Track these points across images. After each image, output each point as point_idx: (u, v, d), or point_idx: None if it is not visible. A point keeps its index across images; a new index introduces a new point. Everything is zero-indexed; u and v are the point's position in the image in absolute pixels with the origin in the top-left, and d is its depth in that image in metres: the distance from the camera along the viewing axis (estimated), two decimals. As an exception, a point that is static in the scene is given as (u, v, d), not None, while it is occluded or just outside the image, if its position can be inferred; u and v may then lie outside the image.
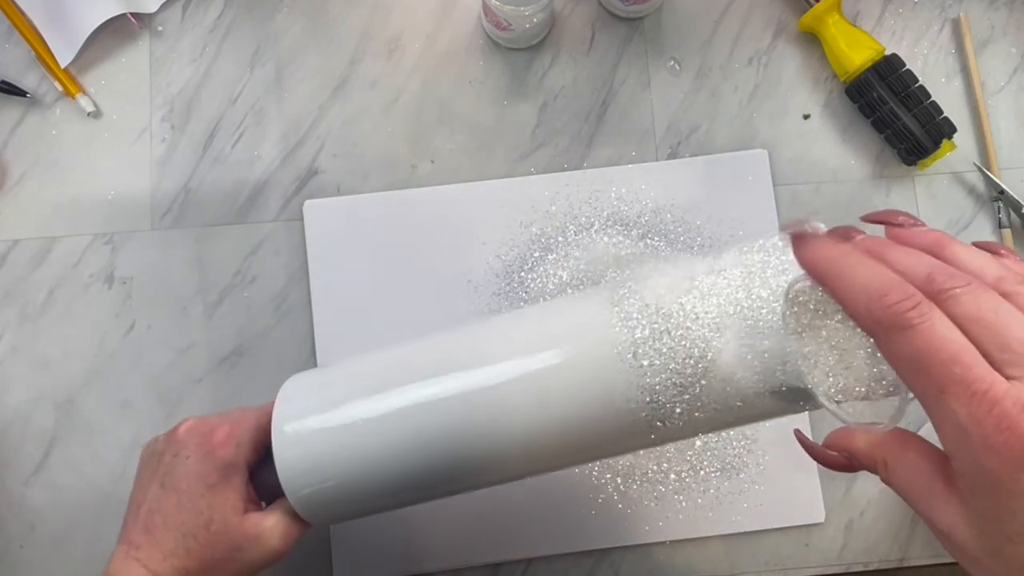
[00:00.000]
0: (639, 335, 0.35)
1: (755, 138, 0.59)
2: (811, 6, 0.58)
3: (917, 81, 0.57)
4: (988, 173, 0.59)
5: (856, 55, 0.57)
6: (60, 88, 0.57)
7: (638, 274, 0.37)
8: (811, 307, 0.31)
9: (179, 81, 0.59)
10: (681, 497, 0.54)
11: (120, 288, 0.56)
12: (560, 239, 0.57)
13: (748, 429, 0.55)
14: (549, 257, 0.56)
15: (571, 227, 0.57)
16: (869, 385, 0.29)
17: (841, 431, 0.30)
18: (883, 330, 0.25)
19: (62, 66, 0.57)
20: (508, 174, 0.58)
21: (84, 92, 0.58)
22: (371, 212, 0.57)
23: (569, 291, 0.55)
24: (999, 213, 0.59)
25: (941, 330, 0.24)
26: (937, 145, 0.56)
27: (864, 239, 0.29)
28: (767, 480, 0.54)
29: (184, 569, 0.39)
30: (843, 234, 0.30)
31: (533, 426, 0.37)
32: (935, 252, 0.28)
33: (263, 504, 0.43)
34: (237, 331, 0.56)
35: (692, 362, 0.34)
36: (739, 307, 0.33)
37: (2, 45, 0.58)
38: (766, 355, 0.32)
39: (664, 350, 0.34)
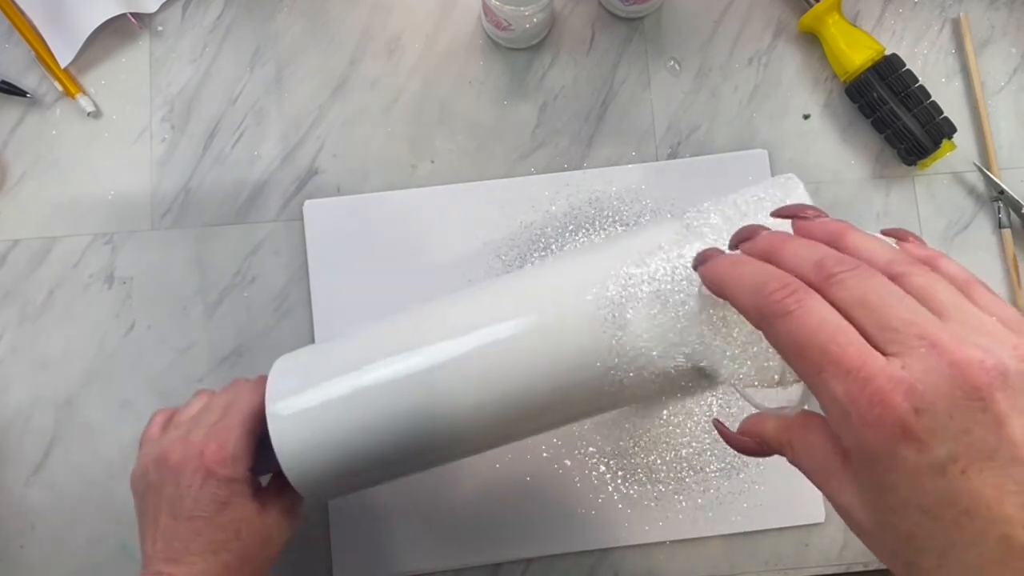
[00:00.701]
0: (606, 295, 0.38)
1: (755, 138, 0.59)
2: (811, 6, 0.58)
3: (917, 81, 0.57)
4: (988, 173, 0.59)
5: (856, 55, 0.57)
6: (60, 88, 0.57)
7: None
8: (720, 303, 0.32)
9: (179, 81, 0.59)
10: (681, 497, 0.54)
11: (120, 288, 0.56)
12: (560, 239, 0.57)
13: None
14: (549, 257, 0.56)
15: (571, 227, 0.57)
16: (778, 372, 0.31)
17: (753, 417, 0.31)
18: (765, 319, 0.27)
19: (62, 66, 0.57)
20: (508, 174, 0.58)
21: (84, 92, 0.58)
22: (371, 212, 0.57)
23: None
24: (999, 213, 0.59)
25: (818, 313, 0.25)
26: (937, 145, 0.56)
27: (764, 236, 0.30)
28: (767, 480, 0.54)
29: None
30: (746, 234, 0.31)
31: (525, 383, 0.39)
32: (834, 241, 0.29)
33: (261, 481, 0.44)
34: (237, 331, 0.56)
35: (608, 328, 0.37)
36: (662, 289, 0.37)
37: (2, 45, 0.58)
38: (680, 341, 0.35)
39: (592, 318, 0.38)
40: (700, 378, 0.37)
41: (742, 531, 0.55)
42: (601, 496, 0.54)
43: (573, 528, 0.54)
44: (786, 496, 0.55)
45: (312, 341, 0.56)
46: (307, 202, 0.57)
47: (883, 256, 0.27)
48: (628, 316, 0.37)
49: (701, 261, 0.31)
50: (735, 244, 0.32)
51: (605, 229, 0.57)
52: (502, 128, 0.59)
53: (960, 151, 0.59)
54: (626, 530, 0.54)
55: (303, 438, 0.40)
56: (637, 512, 0.54)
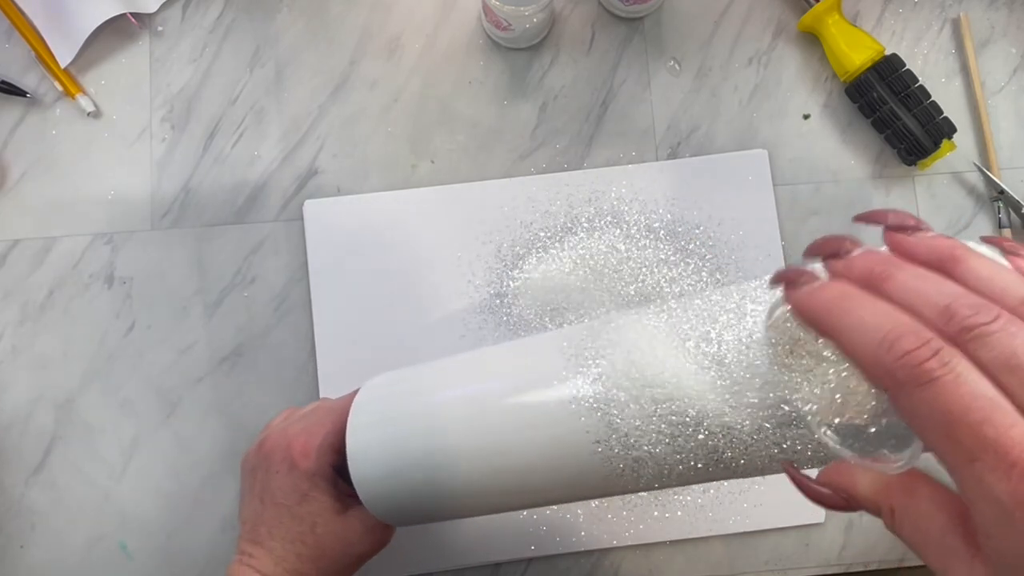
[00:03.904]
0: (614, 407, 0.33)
1: (755, 138, 0.59)
2: (811, 6, 0.58)
3: (917, 81, 0.57)
4: (988, 173, 0.59)
5: (856, 55, 0.57)
6: (60, 88, 0.57)
7: (608, 334, 0.35)
8: (797, 332, 0.28)
9: (179, 81, 0.59)
10: (681, 497, 0.54)
11: (120, 288, 0.56)
12: (560, 239, 0.57)
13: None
14: (549, 257, 0.56)
15: (571, 227, 0.57)
16: (872, 415, 0.26)
17: (840, 467, 0.26)
18: (896, 384, 0.21)
19: (62, 66, 0.57)
20: (508, 174, 0.58)
21: (84, 92, 0.58)
22: (371, 212, 0.57)
23: (574, 293, 0.55)
24: (999, 213, 0.59)
25: (969, 383, 0.20)
26: (937, 145, 0.56)
27: (862, 256, 0.24)
28: (767, 480, 0.54)
29: (297, 571, 0.41)
30: (831, 248, 0.25)
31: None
32: (947, 268, 0.23)
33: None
34: (237, 331, 0.56)
35: (675, 420, 0.32)
36: (713, 349, 0.31)
37: (2, 45, 0.58)
38: (753, 393, 0.30)
39: (645, 417, 0.33)
40: (782, 437, 0.31)
41: (742, 531, 0.55)
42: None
43: (573, 528, 0.54)
44: (786, 496, 0.54)
45: (312, 341, 0.56)
46: (307, 202, 0.57)
47: (1016, 292, 0.21)
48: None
49: (789, 283, 0.25)
50: (814, 255, 0.26)
51: (606, 230, 0.57)
52: (502, 128, 0.59)
53: (960, 151, 0.59)
54: (626, 530, 0.54)
55: (375, 469, 0.39)
56: (637, 512, 0.54)
